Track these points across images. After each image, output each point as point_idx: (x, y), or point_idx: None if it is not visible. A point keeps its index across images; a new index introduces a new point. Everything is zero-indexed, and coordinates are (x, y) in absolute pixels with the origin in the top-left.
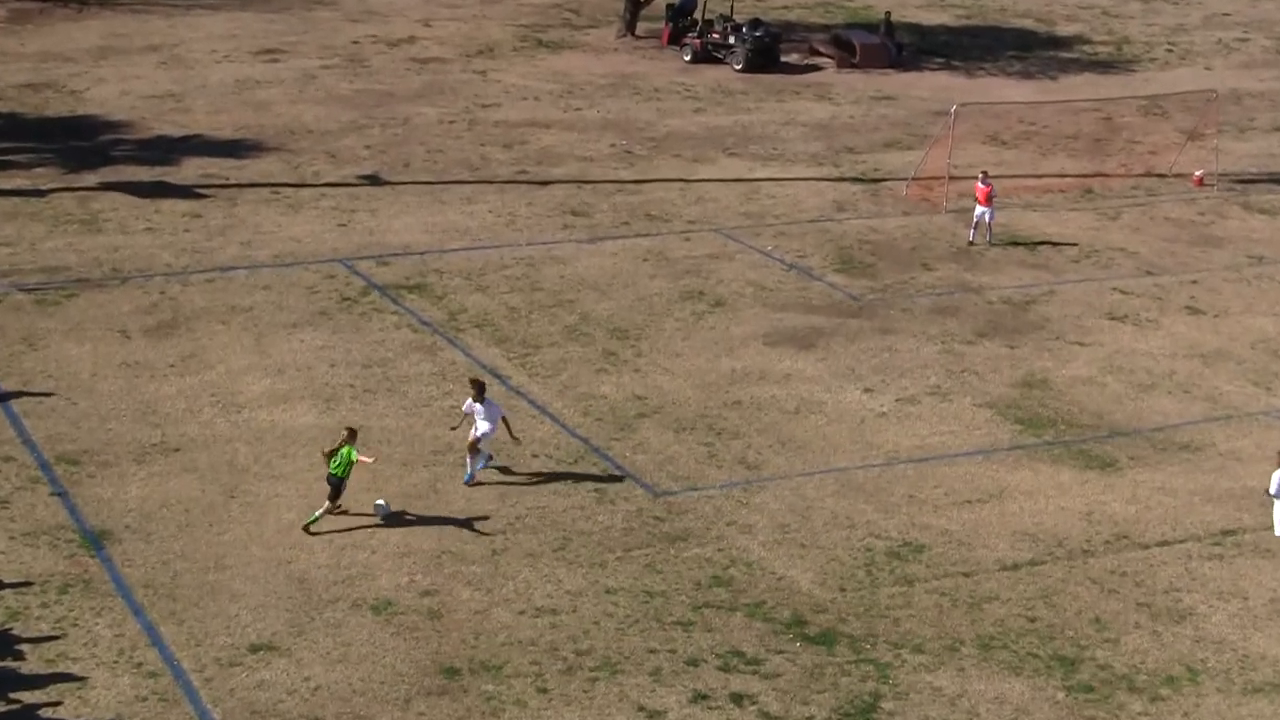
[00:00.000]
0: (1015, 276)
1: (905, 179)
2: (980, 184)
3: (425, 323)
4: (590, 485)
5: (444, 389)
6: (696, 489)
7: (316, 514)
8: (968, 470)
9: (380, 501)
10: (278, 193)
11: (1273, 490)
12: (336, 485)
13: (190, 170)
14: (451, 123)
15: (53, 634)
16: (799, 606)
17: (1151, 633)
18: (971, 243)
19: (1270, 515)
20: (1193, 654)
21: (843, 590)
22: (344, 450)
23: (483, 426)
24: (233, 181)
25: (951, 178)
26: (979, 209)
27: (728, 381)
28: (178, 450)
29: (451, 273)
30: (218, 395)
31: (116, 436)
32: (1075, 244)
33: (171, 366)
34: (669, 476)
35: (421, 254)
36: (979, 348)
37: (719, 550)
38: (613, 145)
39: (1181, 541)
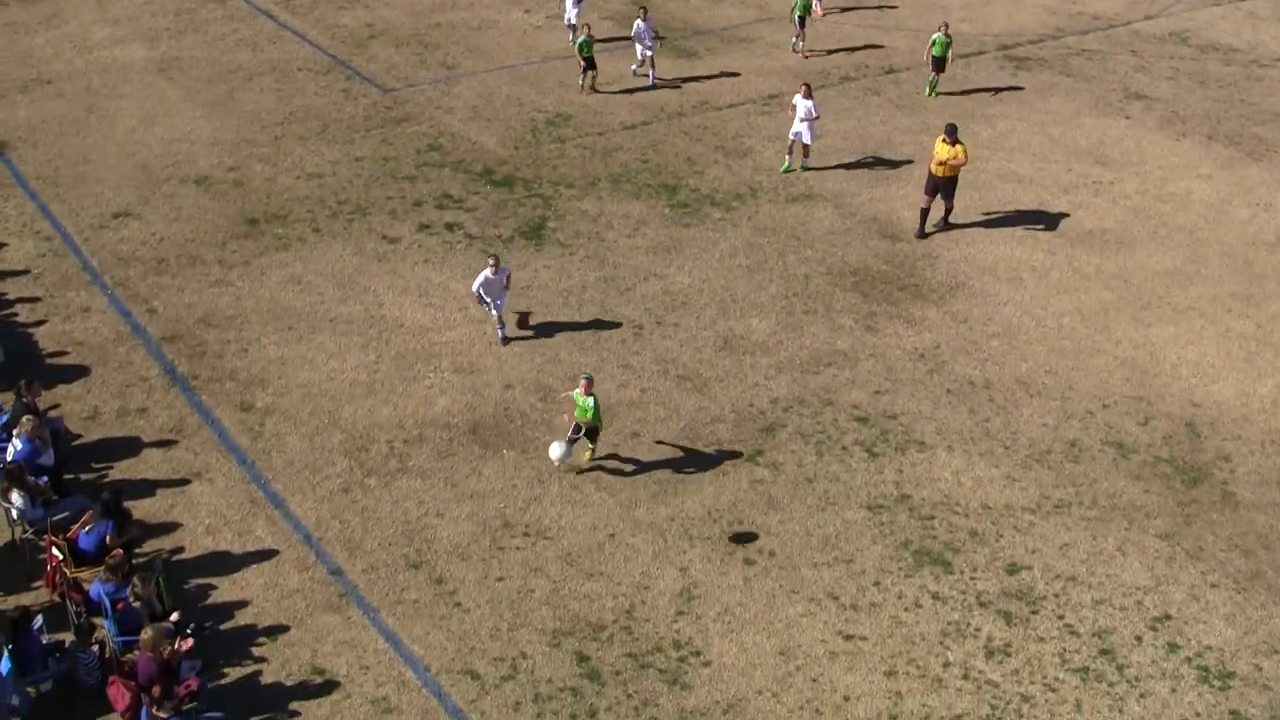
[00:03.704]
0: None
1: None
2: None
3: None
4: (340, 87)
5: (233, 27)
6: (413, 86)
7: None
8: (597, 63)
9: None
10: None
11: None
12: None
13: None
14: None
15: None
16: (488, 161)
17: (725, 166)
18: None
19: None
20: (753, 179)
21: (517, 149)
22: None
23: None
24: None
25: None
26: None
27: (430, 10)
28: (49, 82)
29: None
30: (74, 42)
31: (4, 76)
32: None
33: (39, 24)
34: (394, 78)
35: None
36: None
37: (431, 126)
38: None
39: (744, 104)
